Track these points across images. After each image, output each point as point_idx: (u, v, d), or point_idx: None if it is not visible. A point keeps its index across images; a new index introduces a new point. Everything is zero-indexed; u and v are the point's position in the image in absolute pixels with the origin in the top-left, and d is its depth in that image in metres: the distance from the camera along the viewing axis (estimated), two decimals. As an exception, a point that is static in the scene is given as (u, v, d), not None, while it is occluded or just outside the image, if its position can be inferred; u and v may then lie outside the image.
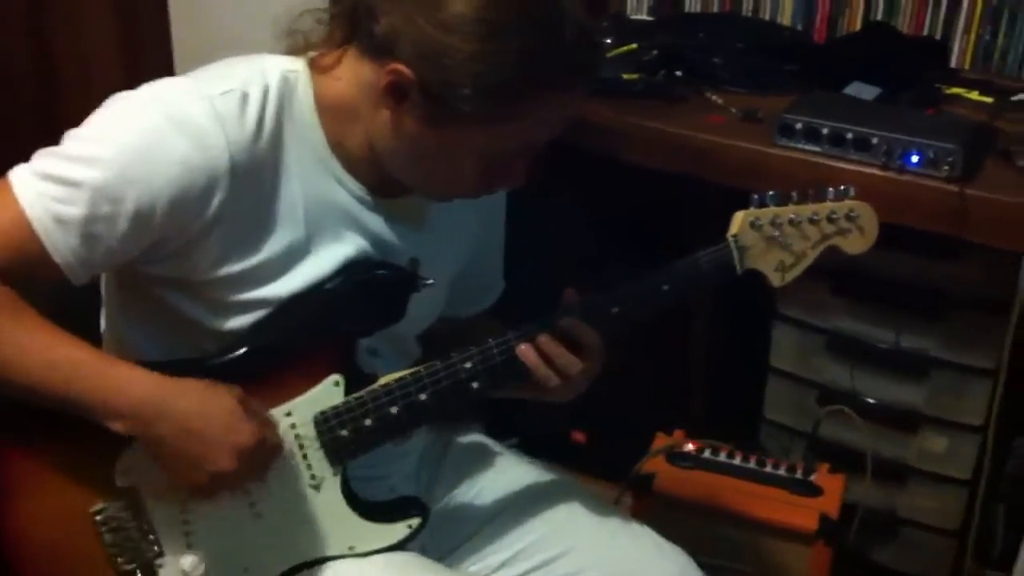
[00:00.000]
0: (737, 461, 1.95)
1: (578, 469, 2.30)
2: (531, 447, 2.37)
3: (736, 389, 2.19)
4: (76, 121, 1.18)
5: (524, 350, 1.27)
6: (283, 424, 1.24)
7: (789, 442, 2.11)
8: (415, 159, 1.21)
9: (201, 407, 1.15)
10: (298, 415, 1.25)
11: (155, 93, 1.17)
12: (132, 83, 1.19)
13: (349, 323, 1.25)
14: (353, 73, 1.21)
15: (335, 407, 1.24)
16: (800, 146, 1.77)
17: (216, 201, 1.16)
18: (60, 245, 1.13)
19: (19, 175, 1.15)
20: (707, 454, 1.96)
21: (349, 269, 1.25)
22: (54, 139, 1.18)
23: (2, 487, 1.21)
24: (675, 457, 1.95)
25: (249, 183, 1.18)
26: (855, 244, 1.35)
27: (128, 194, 1.13)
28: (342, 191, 1.25)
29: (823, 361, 2.03)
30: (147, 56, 2.55)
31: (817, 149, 1.75)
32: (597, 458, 2.27)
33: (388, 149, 1.21)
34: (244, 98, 1.17)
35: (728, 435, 2.01)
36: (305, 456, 1.26)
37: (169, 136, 1.13)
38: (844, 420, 1.97)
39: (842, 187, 1.34)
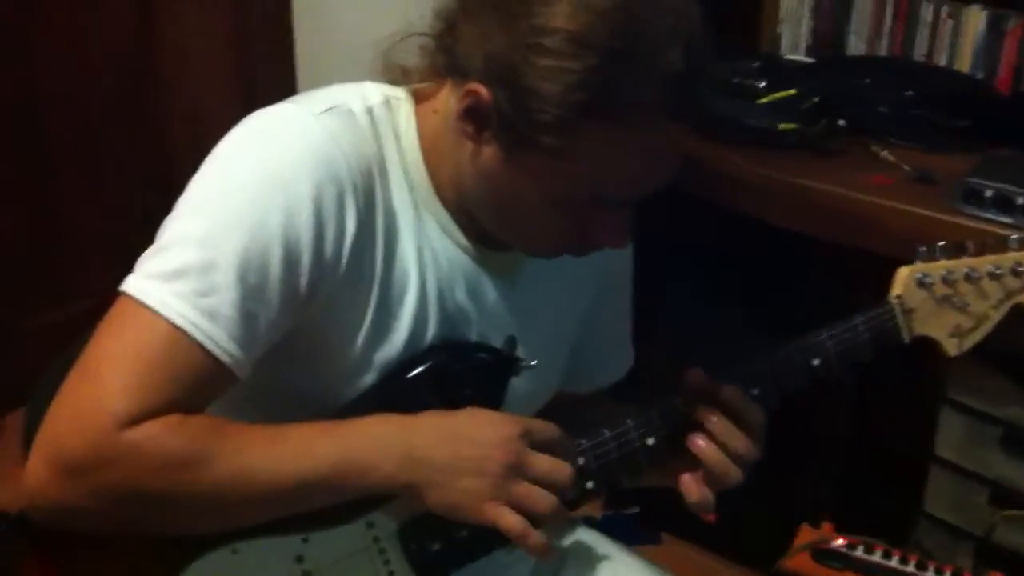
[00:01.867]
0: (894, 563, 1.76)
1: (705, 546, 2.17)
2: (653, 518, 2.27)
3: (892, 478, 2.00)
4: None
5: (701, 444, 1.10)
6: (363, 538, 1.09)
7: (952, 543, 1.92)
8: (498, 202, 1.07)
9: (450, 417, 1.05)
10: (381, 526, 1.09)
11: (251, 132, 1.05)
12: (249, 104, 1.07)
13: None
14: (446, 104, 1.08)
15: (424, 515, 1.08)
16: (988, 215, 1.56)
17: (351, 218, 1.03)
18: (224, 343, 0.98)
19: (142, 288, 0.99)
20: (859, 552, 1.78)
21: (435, 352, 1.11)
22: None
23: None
24: (823, 555, 1.78)
25: (370, 205, 1.05)
26: None
27: (271, 250, 0.99)
28: (447, 240, 1.12)
29: (997, 456, 1.84)
30: (265, 75, 2.49)
31: (1009, 220, 1.55)
32: (726, 538, 2.11)
33: (472, 191, 1.08)
34: (350, 114, 1.06)
35: (881, 530, 1.83)
36: (391, 573, 1.10)
37: (286, 168, 1.01)
38: (1022, 525, 1.77)
39: None
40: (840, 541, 1.78)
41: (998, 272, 1.17)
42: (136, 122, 2.46)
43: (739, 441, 1.10)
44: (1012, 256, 1.17)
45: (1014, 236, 1.18)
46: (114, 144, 2.42)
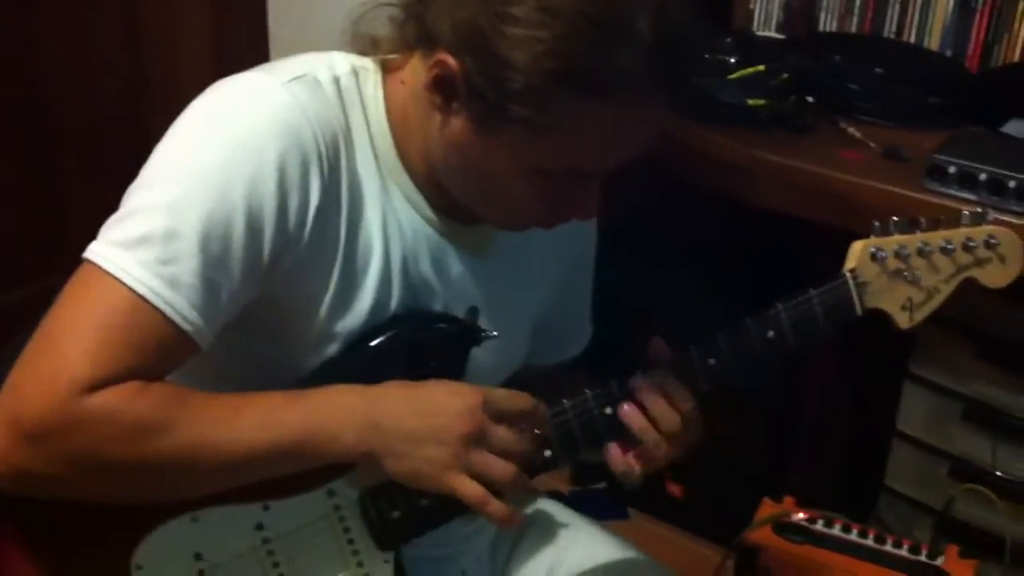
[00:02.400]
0: (854, 536, 1.76)
1: (671, 521, 2.18)
2: (620, 494, 2.28)
3: (854, 452, 2.01)
4: (163, 116, 1.05)
5: (628, 411, 1.11)
6: (323, 506, 1.09)
7: (912, 517, 1.93)
8: (467, 174, 1.07)
9: (413, 388, 1.06)
10: (342, 494, 1.10)
11: (216, 99, 1.05)
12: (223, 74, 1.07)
13: None
14: (414, 75, 1.07)
15: (385, 484, 1.08)
16: (952, 192, 1.56)
17: (315, 188, 1.03)
18: (185, 311, 0.98)
19: (105, 255, 0.98)
20: (820, 526, 1.77)
21: (398, 322, 1.11)
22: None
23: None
24: (784, 528, 1.77)
25: (335, 175, 1.05)
26: (995, 276, 1.21)
27: (235, 218, 0.99)
28: (412, 212, 1.12)
29: (958, 430, 1.84)
30: (240, 45, 2.50)
31: (972, 197, 1.55)
32: (692, 514, 2.14)
33: (441, 162, 1.08)
34: (316, 82, 1.06)
35: (842, 503, 1.83)
36: (351, 541, 1.11)
37: (252, 136, 1.01)
38: (980, 499, 1.78)
39: (979, 210, 1.18)
40: (801, 515, 1.78)
41: (949, 247, 1.18)
42: (130, 118, 2.47)
43: (669, 417, 1.11)
44: (963, 231, 1.18)
45: (966, 211, 1.18)
46: (113, 142, 2.44)
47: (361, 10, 1.12)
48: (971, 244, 1.18)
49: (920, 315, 1.19)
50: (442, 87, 1.02)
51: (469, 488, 1.03)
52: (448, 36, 1.00)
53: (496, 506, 1.03)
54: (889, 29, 2.04)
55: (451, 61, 1.00)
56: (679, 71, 1.02)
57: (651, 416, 1.11)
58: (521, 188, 1.05)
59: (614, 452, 1.13)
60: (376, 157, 1.09)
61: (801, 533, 1.75)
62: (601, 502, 2.27)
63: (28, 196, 2.38)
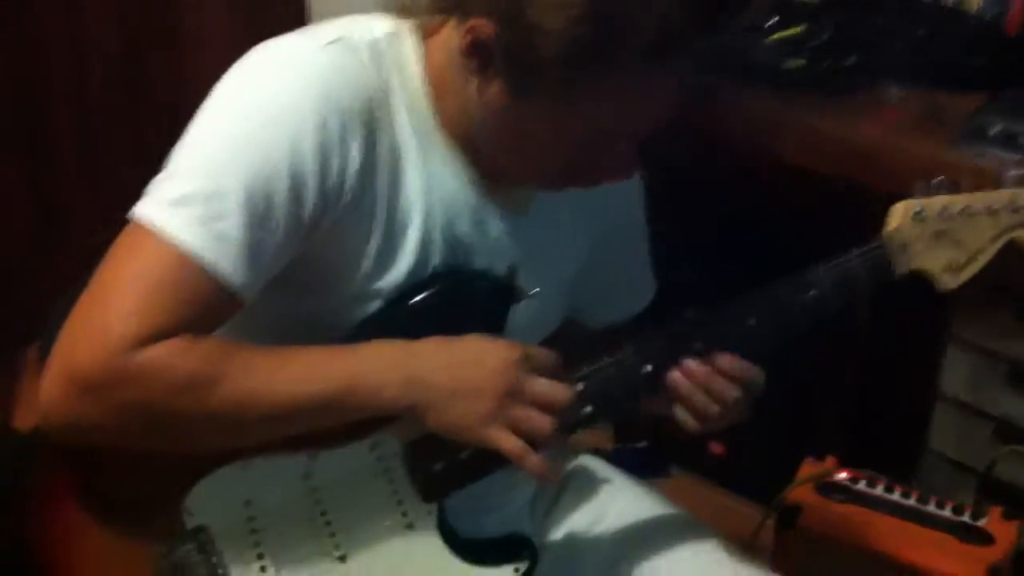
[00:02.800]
0: (896, 496, 1.76)
1: (713, 480, 2.19)
2: (664, 451, 2.29)
3: (897, 414, 2.00)
4: (197, 88, 1.06)
5: (676, 378, 1.13)
6: (368, 457, 1.12)
7: (956, 479, 1.91)
8: (505, 138, 1.09)
9: (453, 343, 1.08)
10: (385, 446, 1.13)
11: (256, 63, 1.07)
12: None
13: None
14: (449, 39, 1.09)
15: (427, 436, 1.11)
16: (993, 152, 1.55)
17: (355, 148, 1.05)
18: (232, 266, 1.00)
19: (151, 213, 1.01)
20: (862, 486, 1.78)
21: (438, 279, 1.13)
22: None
23: (59, 535, 1.11)
24: (826, 488, 1.78)
25: (373, 136, 1.07)
26: None
27: (277, 180, 1.01)
28: (450, 173, 1.13)
29: (1002, 393, 1.82)
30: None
31: (1015, 157, 1.53)
32: (735, 473, 2.14)
33: (479, 126, 1.09)
34: (353, 46, 1.07)
35: (885, 465, 1.83)
36: (395, 492, 1.14)
37: (291, 98, 1.03)
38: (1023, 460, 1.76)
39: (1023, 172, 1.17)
40: (843, 474, 1.78)
41: (994, 208, 1.16)
42: (143, 94, 2.48)
43: (716, 382, 1.12)
44: (1008, 193, 1.17)
45: (1012, 172, 1.17)
46: (110, 131, 2.40)
47: None
48: (1017, 205, 1.17)
49: (963, 276, 1.18)
50: (477, 53, 1.03)
51: (507, 441, 1.05)
52: (482, 3, 1.01)
53: (534, 459, 1.05)
54: (929, -9, 2.02)
55: (484, 27, 1.01)
56: (712, 31, 1.02)
57: (694, 374, 1.13)
58: (557, 151, 1.07)
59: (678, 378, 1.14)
60: (414, 120, 1.11)
61: (843, 492, 1.76)
62: (643, 460, 2.28)
63: (23, 197, 2.33)
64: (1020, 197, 1.17)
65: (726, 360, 1.13)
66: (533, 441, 1.06)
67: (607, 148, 1.08)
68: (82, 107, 2.41)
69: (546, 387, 1.07)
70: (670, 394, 1.14)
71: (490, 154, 1.12)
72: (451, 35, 1.09)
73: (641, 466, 2.24)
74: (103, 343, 0.98)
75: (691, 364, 1.13)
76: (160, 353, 0.98)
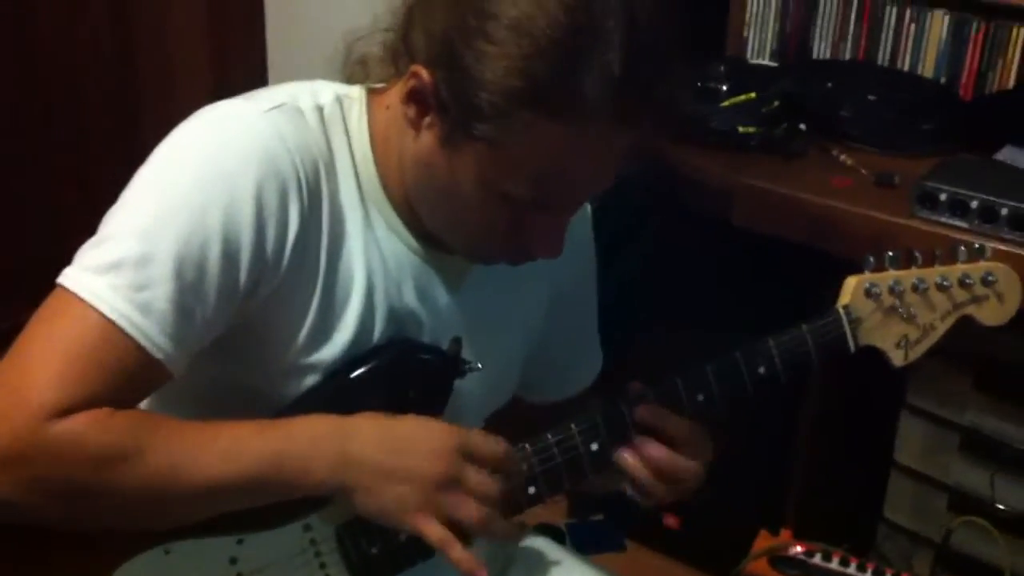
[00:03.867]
0: (852, 570, 1.73)
1: (668, 553, 2.16)
2: (618, 524, 2.26)
3: (852, 484, 1.99)
4: (157, 128, 1.03)
5: (625, 457, 1.10)
6: (299, 540, 1.06)
7: (912, 549, 1.91)
8: (434, 193, 1.05)
9: (389, 423, 1.03)
10: (318, 528, 1.07)
11: (196, 127, 1.03)
12: (220, 87, 1.05)
13: None
14: (397, 96, 1.06)
15: (363, 519, 1.05)
16: (943, 220, 1.55)
17: (294, 216, 1.01)
18: (157, 338, 0.96)
19: (78, 280, 0.96)
20: (817, 559, 1.74)
21: (379, 353, 1.09)
22: (133, 144, 1.02)
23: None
24: (780, 562, 1.75)
25: (315, 203, 1.03)
26: (992, 314, 1.19)
27: (210, 245, 0.97)
28: (395, 239, 1.09)
29: (957, 462, 1.82)
30: (238, 56, 2.49)
31: (964, 225, 1.53)
32: (690, 545, 2.11)
33: (412, 181, 1.06)
34: (298, 112, 1.04)
35: (840, 535, 1.81)
36: (329, 577, 1.08)
37: (229, 163, 0.99)
38: (979, 531, 1.76)
39: (976, 245, 1.17)
40: (798, 548, 1.75)
41: (946, 284, 1.16)
42: (123, 118, 2.45)
43: (665, 459, 1.10)
44: (960, 268, 1.16)
45: (963, 247, 1.17)
46: (104, 139, 2.41)
47: (354, 36, 1.12)
48: (968, 281, 1.16)
49: (915, 353, 1.17)
50: (415, 99, 1.01)
51: (434, 531, 1.00)
52: (423, 48, 0.99)
53: (460, 552, 1.00)
54: (883, 56, 2.04)
55: (424, 73, 0.99)
56: (647, 104, 0.98)
57: (645, 456, 1.10)
58: (482, 212, 1.03)
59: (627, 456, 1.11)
60: (359, 186, 1.07)
61: (798, 567, 1.73)
62: (598, 533, 2.26)
63: (16, 203, 2.30)
64: (972, 271, 1.16)
65: (662, 453, 1.11)
66: (465, 531, 1.01)
67: (534, 220, 1.03)
68: (78, 107, 2.41)
69: (481, 481, 1.02)
70: (620, 471, 1.11)
71: (423, 214, 1.08)
72: (398, 92, 1.06)
73: (596, 540, 2.22)
74: (18, 414, 0.93)
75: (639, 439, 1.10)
76: (77, 425, 0.93)
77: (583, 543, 2.19)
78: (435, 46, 0.98)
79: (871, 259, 1.15)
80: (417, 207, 1.07)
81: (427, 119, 1.01)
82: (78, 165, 2.40)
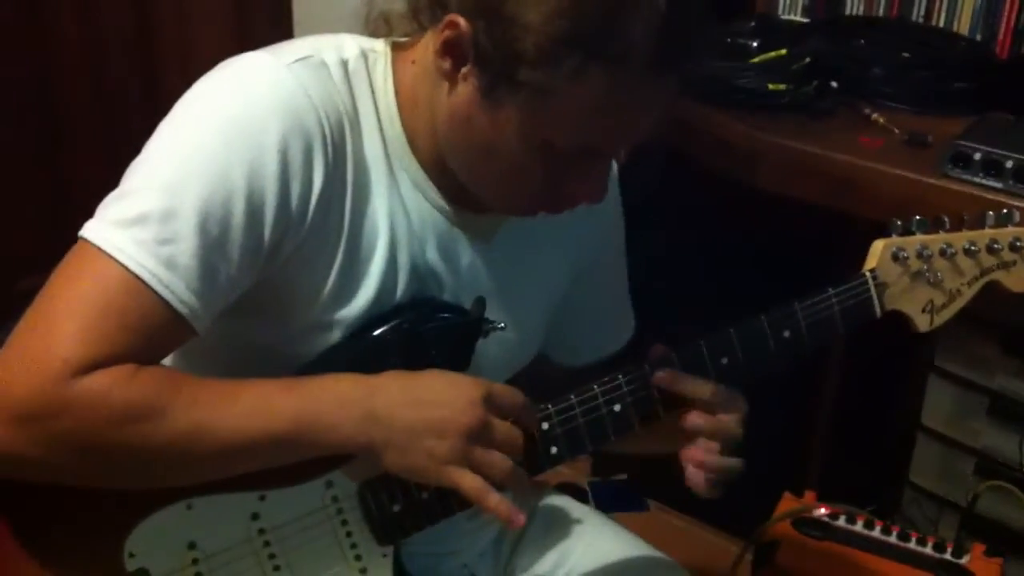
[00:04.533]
0: (876, 533, 1.72)
1: (691, 513, 2.15)
2: (641, 484, 2.25)
3: (878, 447, 1.97)
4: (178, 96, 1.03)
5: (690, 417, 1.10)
6: (321, 497, 1.06)
7: (938, 513, 1.89)
8: (472, 148, 1.03)
9: (414, 379, 1.02)
10: (340, 485, 1.07)
11: (219, 80, 1.02)
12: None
13: None
14: (425, 51, 1.04)
15: (385, 476, 1.05)
16: (977, 180, 1.52)
17: (318, 172, 1.00)
18: (182, 293, 0.96)
19: (101, 233, 0.96)
20: (841, 522, 1.73)
21: (402, 312, 1.08)
22: (156, 114, 1.01)
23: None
24: (804, 524, 1.73)
25: (340, 159, 1.02)
26: (1020, 279, 1.18)
27: (234, 201, 0.96)
28: (420, 198, 1.08)
29: (984, 426, 1.80)
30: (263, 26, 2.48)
31: (998, 185, 1.50)
32: (713, 507, 2.07)
33: (446, 137, 1.04)
34: (322, 65, 1.03)
35: (866, 499, 1.80)
36: (349, 534, 1.08)
37: (253, 118, 0.98)
38: (1006, 496, 1.74)
39: (1004, 211, 1.15)
40: (822, 510, 1.74)
41: (973, 249, 1.15)
42: (144, 93, 2.48)
43: (699, 421, 1.10)
44: (988, 233, 1.15)
45: (991, 212, 1.15)
46: (127, 117, 2.44)
47: None
48: (996, 246, 1.15)
49: (941, 318, 1.16)
50: (452, 51, 0.99)
51: (469, 482, 1.00)
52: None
53: (497, 501, 1.00)
54: (917, 13, 1.99)
55: (462, 22, 0.97)
56: (688, 51, 0.98)
57: (684, 427, 1.10)
58: (526, 164, 1.01)
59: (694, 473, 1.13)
60: (384, 142, 1.06)
61: (821, 529, 1.71)
62: (621, 493, 2.25)
63: (40, 184, 2.39)
64: (1000, 236, 1.15)
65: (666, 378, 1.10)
66: (495, 483, 1.01)
67: (578, 166, 1.02)
68: (98, 94, 2.42)
69: (508, 431, 1.02)
70: (684, 437, 1.11)
71: (458, 171, 1.07)
72: (425, 47, 1.05)
73: (618, 499, 2.22)
74: (43, 369, 0.92)
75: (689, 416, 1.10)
76: (101, 382, 0.93)
77: (605, 503, 2.18)
78: None
79: (898, 223, 1.14)
80: (451, 162, 1.06)
81: (464, 70, 0.99)
82: (98, 147, 2.42)
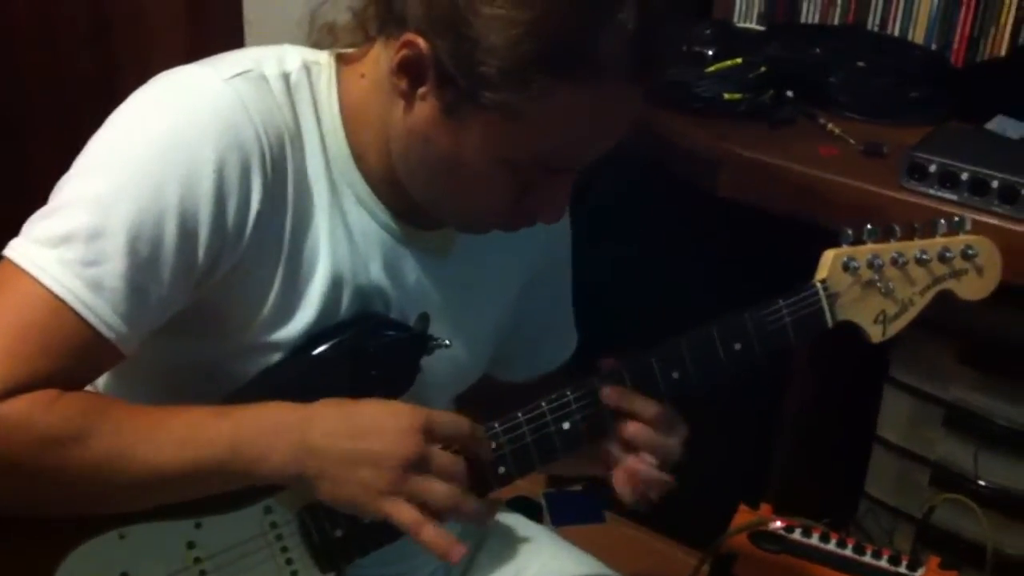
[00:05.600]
0: (832, 546, 1.70)
1: (648, 525, 2.13)
2: (597, 496, 2.23)
3: (833, 458, 1.96)
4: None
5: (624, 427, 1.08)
6: (259, 524, 1.03)
7: (893, 524, 1.88)
8: (430, 167, 1.00)
9: (351, 407, 0.99)
10: (279, 511, 1.04)
11: (154, 94, 0.99)
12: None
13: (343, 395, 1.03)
14: (375, 65, 1.01)
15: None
16: (932, 191, 1.51)
17: (256, 189, 0.97)
18: (107, 316, 0.92)
19: (24, 252, 0.92)
20: (797, 534, 1.72)
21: (343, 329, 1.05)
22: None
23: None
24: (760, 537, 1.72)
25: (279, 176, 0.99)
26: (972, 288, 1.17)
27: (166, 219, 0.93)
28: (364, 215, 1.05)
29: (939, 436, 1.79)
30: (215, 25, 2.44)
31: (953, 197, 1.50)
32: (669, 518, 2.07)
33: (401, 155, 1.01)
34: (262, 79, 0.99)
35: (821, 510, 1.78)
36: (289, 561, 1.05)
37: (189, 133, 0.95)
38: (961, 508, 1.73)
39: (956, 218, 1.14)
40: (778, 523, 1.73)
41: (925, 258, 1.14)
42: (105, 96, 2.42)
43: (642, 435, 1.08)
44: (940, 241, 1.14)
45: (943, 220, 1.14)
46: (87, 120, 2.39)
47: (319, 1, 1.06)
48: (948, 255, 1.14)
49: (893, 329, 1.15)
50: (409, 70, 0.96)
51: (404, 514, 0.96)
52: (419, 16, 0.94)
53: (433, 535, 0.96)
54: (873, 21, 1.99)
55: (420, 42, 0.94)
56: (660, 61, 0.96)
57: (624, 437, 1.08)
58: (488, 182, 0.99)
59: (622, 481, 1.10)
60: (327, 158, 1.03)
61: (778, 542, 1.70)
62: (577, 504, 2.22)
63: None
64: (952, 244, 1.14)
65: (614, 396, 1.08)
66: (435, 512, 0.98)
67: (540, 183, 1.00)
68: (55, 85, 2.38)
69: (448, 460, 0.99)
70: (605, 460, 1.09)
71: (411, 190, 1.03)
72: (376, 60, 1.02)
73: (574, 510, 2.19)
74: None
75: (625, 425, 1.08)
76: (21, 407, 0.90)
77: (561, 514, 2.15)
78: (434, 12, 0.92)
79: (849, 232, 1.13)
80: (406, 180, 1.03)
81: (421, 90, 0.96)
82: (56, 144, 2.36)
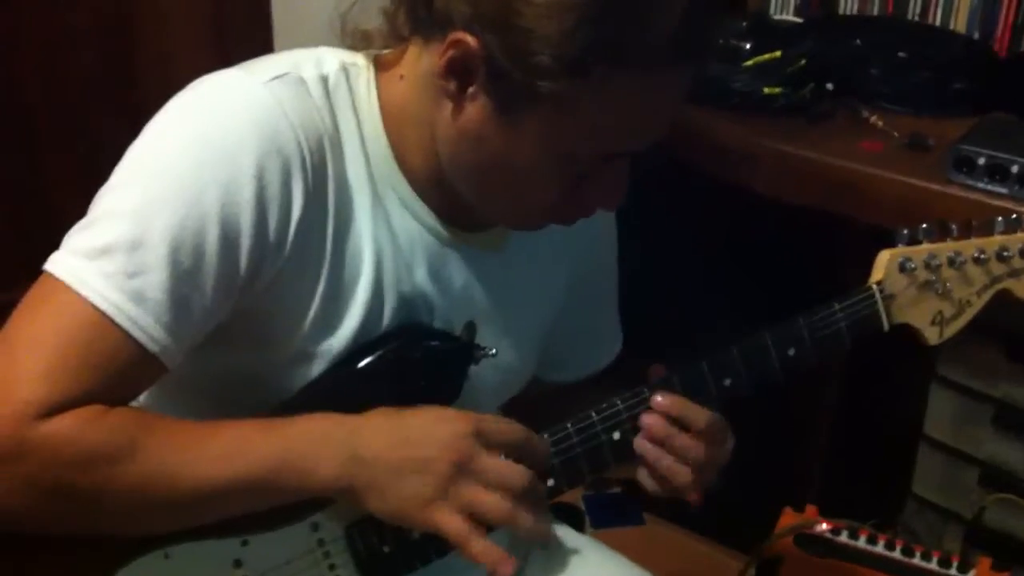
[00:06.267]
0: (879, 548, 1.68)
1: (689, 528, 2.11)
2: (637, 499, 2.21)
3: (880, 458, 1.92)
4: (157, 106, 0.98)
5: (644, 445, 1.05)
6: (307, 541, 1.01)
7: (942, 525, 1.84)
8: (484, 167, 0.98)
9: (398, 417, 0.97)
10: (327, 528, 1.02)
11: (191, 100, 0.97)
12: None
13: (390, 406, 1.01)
14: (414, 66, 0.99)
15: (373, 516, 1.00)
16: (980, 185, 1.47)
17: (297, 196, 0.95)
18: (151, 329, 0.91)
19: (65, 265, 0.91)
20: (843, 537, 1.69)
21: (388, 340, 1.03)
22: (134, 119, 0.97)
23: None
24: (805, 540, 1.69)
25: (320, 181, 0.97)
26: None
27: (207, 228, 0.91)
28: (408, 218, 1.03)
29: (989, 435, 1.76)
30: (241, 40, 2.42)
31: (1003, 191, 1.47)
32: (712, 521, 2.05)
33: (450, 156, 0.99)
34: (300, 82, 0.97)
35: (868, 511, 1.74)
36: (337, 579, 1.03)
37: (228, 139, 0.93)
38: (1013, 508, 1.70)
39: (1014, 216, 1.11)
40: (824, 526, 1.70)
41: (983, 257, 1.11)
42: (120, 97, 2.39)
43: (689, 446, 1.04)
44: (998, 240, 1.11)
45: (1000, 218, 1.12)
46: (100, 120, 2.34)
47: (350, 2, 1.04)
48: (1006, 253, 1.11)
49: (950, 330, 1.13)
50: (457, 70, 0.93)
51: (452, 525, 0.94)
52: (466, 13, 0.91)
53: (480, 546, 0.94)
54: (913, 11, 1.95)
55: (469, 40, 0.91)
56: (710, 43, 0.95)
57: (669, 445, 1.05)
58: (545, 177, 0.97)
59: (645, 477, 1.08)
60: (368, 161, 1.01)
61: (824, 546, 1.67)
62: (616, 506, 2.20)
63: (11, 190, 2.32)
64: (1010, 244, 1.12)
65: (666, 403, 1.05)
66: (486, 523, 0.95)
67: (597, 172, 0.98)
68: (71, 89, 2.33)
69: (499, 466, 0.96)
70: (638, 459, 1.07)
71: (461, 191, 1.01)
72: (414, 62, 1.00)
73: (614, 513, 2.16)
74: (5, 411, 0.88)
75: (648, 420, 1.05)
76: (67, 424, 0.89)
77: (601, 516, 2.14)
78: (482, 8, 0.90)
79: (904, 232, 1.10)
80: (457, 182, 1.01)
81: (471, 90, 0.94)
82: (75, 141, 2.36)
